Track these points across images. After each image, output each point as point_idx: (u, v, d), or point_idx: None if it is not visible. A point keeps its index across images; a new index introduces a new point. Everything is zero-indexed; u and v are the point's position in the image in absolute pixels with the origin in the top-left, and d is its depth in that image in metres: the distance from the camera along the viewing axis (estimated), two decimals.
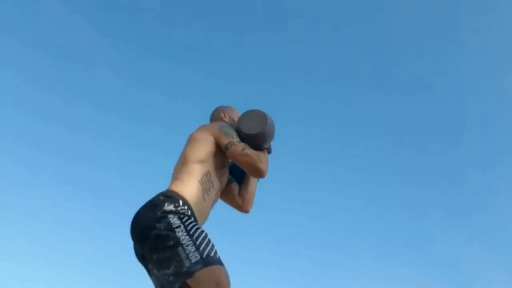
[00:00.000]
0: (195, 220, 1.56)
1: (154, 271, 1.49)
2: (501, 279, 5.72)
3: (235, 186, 1.98)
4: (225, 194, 1.93)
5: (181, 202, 1.56)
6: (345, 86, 7.00)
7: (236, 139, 1.77)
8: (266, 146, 1.89)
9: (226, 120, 2.01)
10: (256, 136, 1.82)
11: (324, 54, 6.90)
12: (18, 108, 6.29)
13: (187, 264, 1.37)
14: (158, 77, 6.86)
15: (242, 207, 1.96)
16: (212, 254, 1.42)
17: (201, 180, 1.67)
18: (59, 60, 6.53)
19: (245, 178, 1.98)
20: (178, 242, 1.42)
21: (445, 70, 6.80)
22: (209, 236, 1.49)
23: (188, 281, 1.36)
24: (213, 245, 1.46)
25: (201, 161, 1.70)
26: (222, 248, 1.44)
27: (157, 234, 1.46)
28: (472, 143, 6.66)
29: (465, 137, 6.70)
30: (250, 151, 1.73)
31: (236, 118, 2.01)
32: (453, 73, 6.75)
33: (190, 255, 1.39)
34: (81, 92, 6.65)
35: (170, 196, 1.58)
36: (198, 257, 1.38)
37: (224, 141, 1.75)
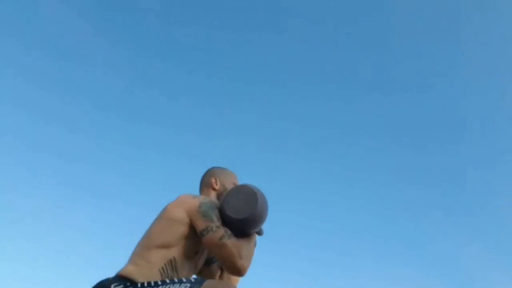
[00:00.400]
0: None
1: None
2: (502, 279, 5.72)
3: (216, 269, 1.69)
4: (204, 275, 1.67)
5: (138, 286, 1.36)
6: (344, 86, 7.01)
7: (215, 223, 1.45)
8: (255, 231, 1.56)
9: (217, 188, 1.72)
10: (243, 221, 1.48)
11: (324, 54, 6.91)
12: (18, 108, 6.30)
13: None
14: (158, 77, 6.87)
15: None
16: (199, 278, 1.32)
17: (162, 269, 1.41)
18: (59, 60, 6.54)
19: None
20: None
21: (445, 70, 6.81)
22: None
23: None
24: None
25: (167, 246, 1.44)
26: None
27: None
28: (472, 142, 6.67)
29: (465, 137, 6.71)
30: (229, 242, 1.42)
31: (229, 186, 1.72)
32: (453, 72, 6.76)
33: None
34: (81, 92, 6.67)
35: (120, 280, 1.38)
36: (189, 285, 1.27)
37: (201, 225, 1.45)
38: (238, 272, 1.43)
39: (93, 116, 6.62)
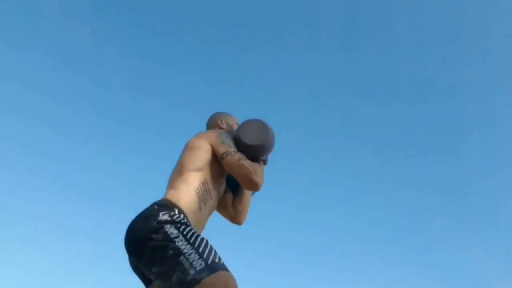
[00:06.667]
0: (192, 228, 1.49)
1: (157, 282, 1.45)
2: (505, 285, 5.68)
3: (229, 196, 1.91)
4: (218, 204, 1.84)
5: (176, 211, 1.50)
6: (348, 94, 7.02)
7: (232, 148, 1.70)
8: (263, 158, 1.82)
9: (223, 127, 1.94)
10: (256, 147, 1.74)
11: (327, 62, 6.92)
12: (18, 113, 6.30)
13: (192, 272, 1.32)
14: (158, 83, 6.88)
15: (234, 219, 1.89)
16: (217, 261, 1.37)
17: (198, 189, 1.61)
18: (59, 65, 6.56)
19: (240, 190, 1.91)
20: (179, 252, 1.37)
21: (446, 79, 6.81)
22: (210, 242, 1.44)
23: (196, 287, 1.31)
24: (216, 252, 1.41)
25: (198, 170, 1.64)
26: (225, 253, 1.40)
27: (154, 245, 1.40)
28: (476, 150, 6.65)
29: (468, 144, 6.69)
30: (246, 162, 1.67)
31: (233, 125, 1.96)
32: (455, 81, 6.76)
33: (194, 263, 1.34)
34: (81, 97, 6.69)
35: (164, 205, 1.52)
36: (203, 264, 1.34)
37: (221, 149, 1.68)
38: (256, 186, 1.68)
39: (93, 121, 6.63)
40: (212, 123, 1.98)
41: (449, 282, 5.88)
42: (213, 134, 1.74)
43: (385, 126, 6.93)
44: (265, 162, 1.85)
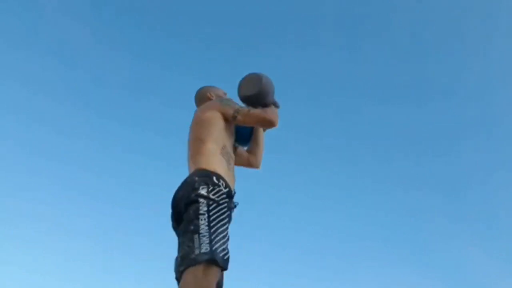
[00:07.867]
0: (226, 196, 1.62)
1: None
2: (503, 285, 5.67)
3: (241, 150, 2.11)
4: (237, 158, 2.00)
5: (214, 179, 1.64)
6: (348, 95, 7.01)
7: (238, 105, 1.89)
8: (269, 101, 1.97)
9: (213, 98, 2.06)
10: (257, 95, 1.92)
11: (328, 63, 6.91)
12: (18, 113, 6.29)
13: (196, 252, 1.43)
14: (157, 83, 6.87)
15: (255, 164, 2.11)
16: (219, 250, 1.46)
17: (221, 154, 1.77)
18: (58, 64, 6.55)
19: (254, 137, 2.10)
20: (197, 230, 1.49)
21: (446, 79, 6.80)
22: (226, 226, 1.56)
23: (192, 269, 1.42)
24: (225, 240, 1.51)
25: (216, 138, 1.79)
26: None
27: (187, 219, 1.55)
28: (474, 150, 6.65)
29: (466, 145, 6.69)
30: (256, 111, 1.86)
31: (222, 96, 2.09)
32: (454, 82, 6.75)
33: (203, 245, 1.45)
34: (82, 98, 6.68)
35: (203, 175, 1.65)
36: (208, 249, 1.44)
37: (230, 111, 1.85)
38: (271, 123, 1.88)
39: (93, 122, 6.63)
40: (202, 97, 2.11)
41: (449, 282, 5.88)
42: (216, 103, 1.93)
43: (385, 126, 6.93)
44: (276, 105, 2.01)
